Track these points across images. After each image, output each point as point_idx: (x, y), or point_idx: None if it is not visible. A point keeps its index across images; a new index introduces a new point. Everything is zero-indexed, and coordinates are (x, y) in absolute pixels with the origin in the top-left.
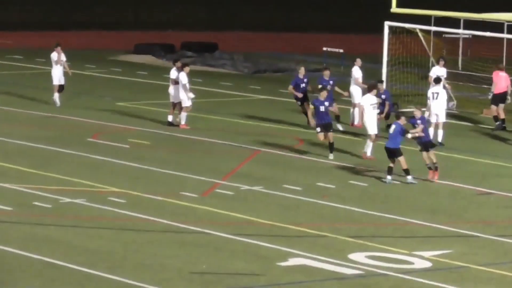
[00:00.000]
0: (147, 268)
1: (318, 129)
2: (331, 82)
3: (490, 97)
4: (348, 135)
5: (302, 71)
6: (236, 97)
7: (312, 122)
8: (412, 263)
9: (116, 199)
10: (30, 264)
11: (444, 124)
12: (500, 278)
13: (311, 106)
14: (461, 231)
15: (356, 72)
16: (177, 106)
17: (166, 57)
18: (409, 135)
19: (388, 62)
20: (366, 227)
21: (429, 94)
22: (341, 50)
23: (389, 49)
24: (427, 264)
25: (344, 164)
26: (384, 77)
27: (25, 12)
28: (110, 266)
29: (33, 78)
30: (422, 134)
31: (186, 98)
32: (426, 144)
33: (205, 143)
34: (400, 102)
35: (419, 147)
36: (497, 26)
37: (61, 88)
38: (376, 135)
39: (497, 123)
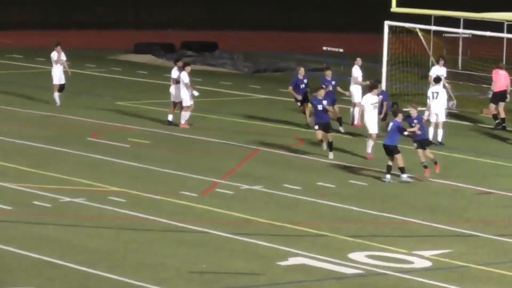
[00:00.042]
0: (147, 267)
1: (316, 127)
2: (333, 82)
3: (490, 95)
4: (348, 134)
5: (302, 72)
6: (236, 97)
7: (309, 119)
8: (412, 263)
9: (116, 198)
10: (29, 264)
11: (444, 123)
12: (499, 278)
13: (309, 105)
14: (461, 230)
15: (356, 71)
16: (177, 105)
17: (166, 56)
18: (406, 133)
19: (388, 61)
20: (366, 227)
21: (429, 93)
22: (341, 50)
23: (389, 49)
24: (427, 264)
25: (344, 164)
26: (384, 77)
27: (25, 11)
28: (109, 266)
29: (33, 78)
30: (419, 133)
31: (187, 98)
32: (423, 142)
33: (205, 143)
34: (400, 101)
35: (415, 145)
36: (497, 26)
37: (62, 87)
38: (377, 134)
39: (497, 121)
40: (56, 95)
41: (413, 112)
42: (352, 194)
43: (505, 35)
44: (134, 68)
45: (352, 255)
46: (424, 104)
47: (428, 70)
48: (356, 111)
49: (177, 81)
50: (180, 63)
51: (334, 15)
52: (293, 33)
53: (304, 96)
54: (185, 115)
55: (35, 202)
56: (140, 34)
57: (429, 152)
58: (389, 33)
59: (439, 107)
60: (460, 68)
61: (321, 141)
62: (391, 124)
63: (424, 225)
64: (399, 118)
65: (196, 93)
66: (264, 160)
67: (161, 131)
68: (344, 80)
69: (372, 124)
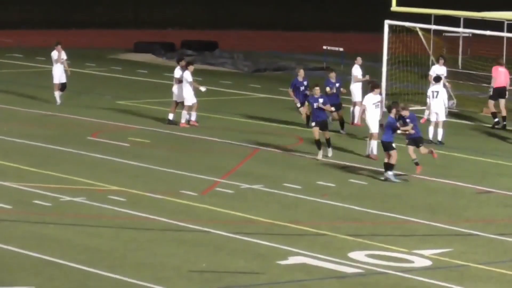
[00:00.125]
0: (147, 266)
1: (313, 124)
2: (337, 84)
3: (490, 93)
4: (348, 134)
5: (301, 74)
6: (236, 96)
7: (304, 116)
8: (412, 262)
9: (116, 198)
10: (29, 263)
11: (444, 122)
12: (499, 277)
13: (307, 104)
14: (461, 229)
15: (356, 70)
16: (179, 105)
17: (166, 55)
18: (399, 131)
19: (388, 60)
20: (366, 226)
21: (429, 92)
22: (341, 49)
23: (389, 48)
24: (427, 263)
25: (344, 163)
26: (384, 76)
27: (26, 11)
28: (110, 265)
29: (33, 77)
30: (413, 132)
31: (189, 97)
32: (416, 140)
33: (205, 142)
34: (400, 101)
35: (406, 141)
36: (497, 25)
37: (63, 86)
38: (378, 133)
39: (495, 120)
40: (57, 94)
41: (405, 112)
42: (352, 194)
43: (505, 34)
44: (134, 67)
45: (352, 254)
46: (424, 103)
47: (428, 69)
48: (357, 110)
49: (179, 81)
50: (183, 63)
51: (334, 14)
52: (293, 32)
53: (304, 99)
54: (185, 115)
55: (35, 201)
56: (140, 33)
57: (423, 149)
58: (389, 32)
59: (439, 106)
60: (460, 67)
61: (318, 141)
62: (386, 120)
63: (424, 224)
64: (393, 113)
65: (203, 89)
66: (264, 159)
67: (161, 130)
68: (344, 80)
69: (373, 123)
